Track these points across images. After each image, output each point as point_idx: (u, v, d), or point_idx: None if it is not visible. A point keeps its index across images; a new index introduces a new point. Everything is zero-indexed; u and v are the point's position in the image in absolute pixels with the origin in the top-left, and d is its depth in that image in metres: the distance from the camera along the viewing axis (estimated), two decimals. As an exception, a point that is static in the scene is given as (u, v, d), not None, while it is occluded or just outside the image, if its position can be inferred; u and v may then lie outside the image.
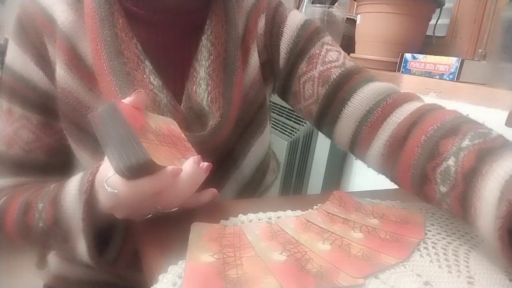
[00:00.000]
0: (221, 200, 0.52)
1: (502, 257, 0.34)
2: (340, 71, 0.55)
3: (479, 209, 0.36)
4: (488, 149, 0.38)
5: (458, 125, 0.43)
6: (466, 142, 0.40)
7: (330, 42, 0.59)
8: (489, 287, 0.35)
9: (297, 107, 0.61)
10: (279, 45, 0.59)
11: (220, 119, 0.51)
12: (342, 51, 0.59)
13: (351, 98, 0.53)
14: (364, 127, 0.52)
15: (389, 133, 0.49)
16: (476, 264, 0.38)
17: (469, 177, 0.38)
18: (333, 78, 0.55)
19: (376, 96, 0.52)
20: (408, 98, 0.52)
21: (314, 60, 0.57)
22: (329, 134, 0.58)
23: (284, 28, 0.59)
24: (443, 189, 0.41)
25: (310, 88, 0.56)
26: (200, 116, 0.52)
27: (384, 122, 0.50)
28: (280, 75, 0.60)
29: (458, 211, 0.40)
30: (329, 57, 0.56)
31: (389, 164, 0.49)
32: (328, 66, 0.56)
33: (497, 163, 0.36)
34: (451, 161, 0.40)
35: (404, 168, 0.46)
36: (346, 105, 0.53)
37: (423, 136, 0.44)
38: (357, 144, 0.54)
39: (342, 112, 0.54)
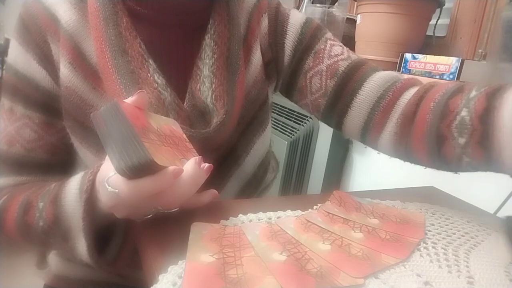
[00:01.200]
0: (221, 200, 0.52)
1: None
2: (348, 63, 0.57)
3: (502, 139, 0.39)
4: (495, 89, 0.41)
5: (462, 86, 0.47)
6: (473, 93, 0.43)
7: (332, 38, 0.61)
8: (489, 287, 0.35)
9: (302, 102, 0.62)
10: (284, 43, 0.60)
11: (224, 115, 0.51)
12: (344, 46, 0.61)
13: (362, 87, 0.55)
14: (376, 113, 0.54)
15: (400, 112, 0.52)
16: (476, 264, 0.38)
17: (485, 116, 0.41)
18: (342, 71, 0.57)
19: (385, 82, 0.55)
20: (414, 82, 0.55)
21: (320, 55, 0.58)
22: (338, 125, 0.60)
23: (288, 27, 0.60)
24: (461, 140, 0.43)
25: (318, 82, 0.58)
26: (203, 113, 0.52)
27: (395, 105, 0.53)
28: (285, 72, 0.61)
29: (481, 156, 0.42)
30: (334, 51, 0.59)
31: (403, 139, 0.52)
32: (335, 60, 0.58)
33: (507, 94, 0.39)
34: (464, 112, 0.43)
35: (419, 137, 0.49)
36: (357, 94, 0.55)
37: (432, 103, 0.48)
38: (369, 130, 0.56)
39: (353, 102, 0.56)
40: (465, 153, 0.44)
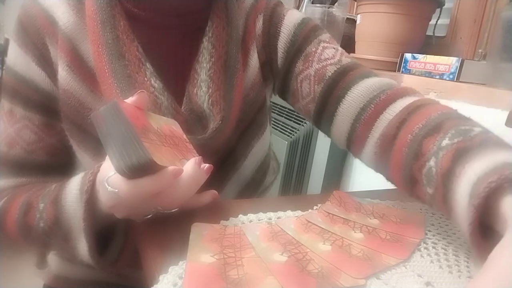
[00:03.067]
0: (221, 200, 0.52)
1: (480, 262, 0.31)
2: (336, 68, 0.54)
3: (457, 213, 0.35)
4: (465, 149, 0.36)
5: (442, 122, 0.42)
6: (446, 141, 0.39)
7: (327, 40, 0.58)
8: (489, 287, 0.35)
9: (296, 106, 0.61)
10: (277, 44, 0.58)
11: (220, 122, 0.51)
12: (340, 48, 0.58)
13: (346, 96, 0.52)
14: (358, 125, 0.51)
15: (381, 131, 0.48)
16: (476, 264, 0.38)
17: (446, 179, 0.36)
18: (329, 76, 0.54)
19: (371, 92, 0.51)
20: (403, 93, 0.50)
21: (310, 58, 0.56)
22: (328, 133, 0.58)
23: (282, 28, 0.58)
24: (429, 190, 0.40)
25: (307, 86, 0.56)
26: (201, 118, 0.52)
27: (377, 120, 0.49)
28: (279, 74, 0.60)
29: (445, 213, 0.38)
30: (325, 54, 0.56)
31: (382, 163, 0.49)
32: (324, 64, 0.55)
33: (469, 164, 0.34)
34: (432, 162, 0.39)
35: (396, 169, 0.46)
36: (341, 103, 0.53)
37: (409, 135, 0.44)
38: (353, 142, 0.53)
39: (337, 110, 0.53)
40: (433, 204, 0.41)
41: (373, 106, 0.50)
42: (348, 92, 0.52)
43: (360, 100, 0.51)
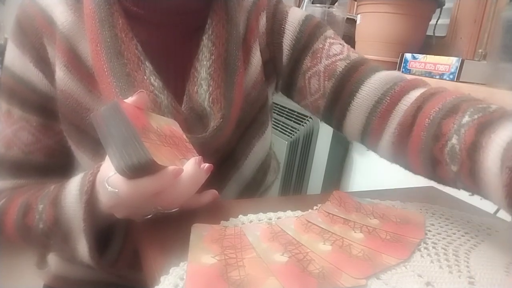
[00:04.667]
0: (221, 200, 0.52)
1: None
2: (346, 63, 0.55)
3: (487, 182, 0.36)
4: (487, 122, 0.38)
5: (458, 104, 0.44)
6: (466, 119, 0.41)
7: (332, 36, 0.59)
8: (489, 287, 0.35)
9: (303, 103, 0.61)
10: (282, 42, 0.59)
11: (221, 120, 0.51)
12: (345, 44, 0.59)
13: (359, 90, 0.53)
14: (374, 118, 0.52)
15: (397, 121, 0.50)
16: (476, 264, 0.38)
17: (472, 152, 0.38)
18: (339, 71, 0.55)
19: (384, 85, 0.52)
20: (416, 84, 0.52)
21: (318, 55, 0.57)
22: (339, 127, 0.58)
23: (286, 25, 0.58)
24: (454, 168, 0.41)
25: (316, 83, 0.56)
26: (201, 117, 0.52)
27: (393, 111, 0.51)
28: (284, 72, 0.60)
29: (473, 187, 0.40)
30: (333, 50, 0.57)
31: (400, 152, 0.50)
32: (333, 60, 0.56)
33: (495, 134, 0.36)
34: (454, 140, 0.41)
35: (414, 154, 0.47)
36: (354, 97, 0.53)
37: (427, 119, 0.45)
38: (368, 135, 0.54)
39: (351, 105, 0.54)
40: (459, 180, 0.42)
41: (388, 98, 0.51)
42: (362, 86, 0.53)
43: (374, 93, 0.52)
